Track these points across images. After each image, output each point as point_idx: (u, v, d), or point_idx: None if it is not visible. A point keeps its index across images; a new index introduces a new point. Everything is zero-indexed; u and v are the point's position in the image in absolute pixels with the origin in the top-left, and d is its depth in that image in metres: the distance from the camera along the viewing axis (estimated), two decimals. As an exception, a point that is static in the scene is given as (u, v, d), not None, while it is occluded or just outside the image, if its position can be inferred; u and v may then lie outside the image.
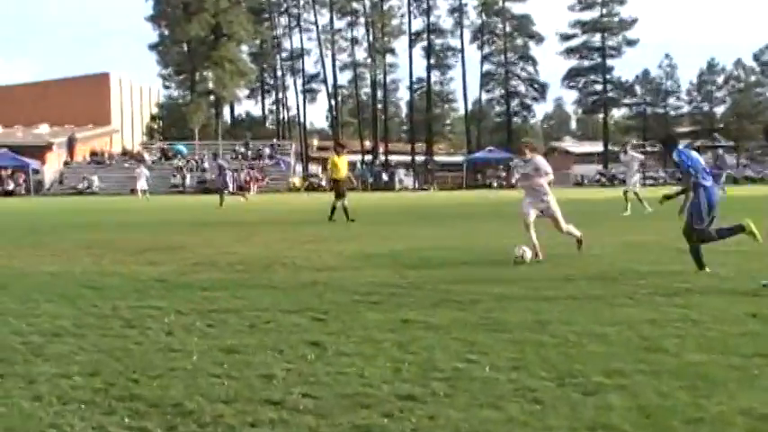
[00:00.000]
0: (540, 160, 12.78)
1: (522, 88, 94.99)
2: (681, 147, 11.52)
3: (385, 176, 78.03)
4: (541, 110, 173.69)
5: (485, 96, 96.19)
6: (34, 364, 6.09)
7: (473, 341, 6.67)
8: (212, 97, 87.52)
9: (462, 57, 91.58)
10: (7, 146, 68.60)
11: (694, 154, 11.05)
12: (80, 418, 4.77)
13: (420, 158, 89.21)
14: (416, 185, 78.60)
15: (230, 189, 35.47)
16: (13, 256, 14.19)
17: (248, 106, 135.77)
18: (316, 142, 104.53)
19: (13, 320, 7.84)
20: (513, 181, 66.05)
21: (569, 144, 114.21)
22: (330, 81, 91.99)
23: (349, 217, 22.64)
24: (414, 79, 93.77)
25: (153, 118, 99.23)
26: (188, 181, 69.86)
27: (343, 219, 22.48)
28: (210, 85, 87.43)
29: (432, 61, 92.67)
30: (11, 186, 65.79)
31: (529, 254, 11.97)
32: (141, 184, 52.53)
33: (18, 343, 6.83)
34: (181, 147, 76.96)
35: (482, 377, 5.57)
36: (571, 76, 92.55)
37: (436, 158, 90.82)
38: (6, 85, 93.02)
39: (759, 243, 10.68)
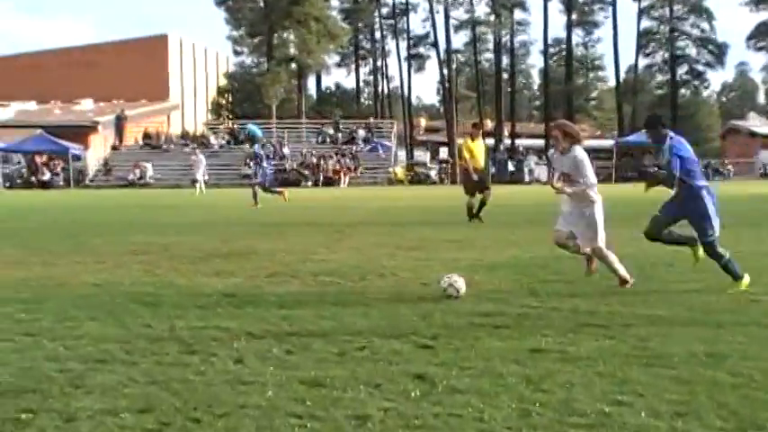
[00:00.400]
0: (581, 154, 11.44)
1: (692, 51, 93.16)
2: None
3: (511, 166, 77.47)
4: (718, 79, 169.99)
5: (642, 62, 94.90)
6: (74, 398, 6.23)
7: (624, 378, 6.58)
8: (294, 65, 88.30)
9: (614, 10, 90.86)
10: (42, 126, 69.91)
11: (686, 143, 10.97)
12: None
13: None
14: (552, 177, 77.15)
15: (265, 183, 35.32)
16: (49, 263, 14.59)
17: (338, 77, 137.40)
18: (423, 122, 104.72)
19: (48, 343, 8.05)
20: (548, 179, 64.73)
21: (755, 123, 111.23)
22: (442, 44, 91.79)
23: (476, 215, 22.69)
24: (549, 41, 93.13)
25: (220, 92, 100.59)
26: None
27: (488, 220, 22.61)
28: (292, 49, 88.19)
29: (573, 17, 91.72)
30: (47, 176, 67.22)
31: (462, 286, 10.54)
32: (200, 175, 53.36)
33: (54, 371, 7.00)
34: (254, 127, 77.51)
35: (636, 424, 5.48)
36: (760, 33, 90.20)
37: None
38: (40, 50, 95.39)
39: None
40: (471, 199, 23.04)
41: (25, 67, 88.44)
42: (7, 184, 64.31)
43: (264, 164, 35.35)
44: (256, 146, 40.23)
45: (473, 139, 23.56)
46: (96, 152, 73.49)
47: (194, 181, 56.08)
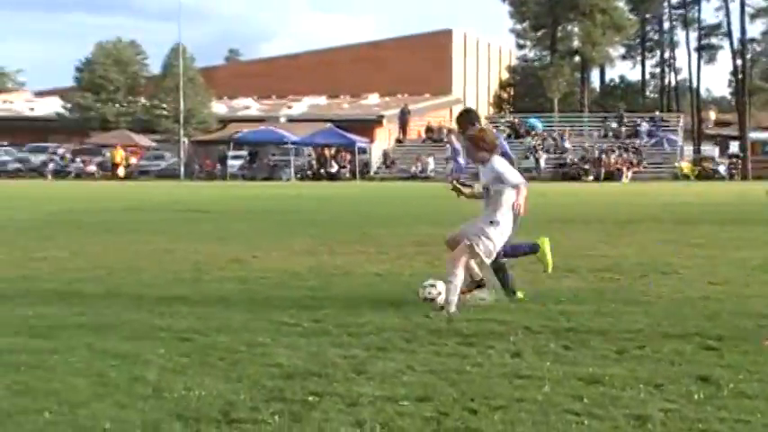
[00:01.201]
0: (499, 164, 9.92)
1: None
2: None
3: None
4: None
5: None
6: (356, 383, 6.44)
7: None
8: (577, 58, 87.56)
9: None
10: (331, 120, 72.23)
11: None
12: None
13: None
14: None
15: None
16: (335, 252, 15.11)
17: (623, 69, 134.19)
18: (713, 115, 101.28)
19: (333, 330, 8.36)
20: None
21: None
22: (736, 33, 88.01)
23: None
24: None
25: (502, 85, 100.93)
26: (542, 163, 70.22)
27: None
28: (576, 42, 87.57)
29: None
30: (334, 169, 69.29)
31: (447, 294, 9.41)
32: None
33: (339, 357, 7.25)
34: (535, 121, 77.60)
35: None
36: None
37: None
38: (331, 47, 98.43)
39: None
40: None
41: (317, 63, 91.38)
42: (298, 176, 66.58)
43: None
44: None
45: None
46: (381, 145, 75.11)
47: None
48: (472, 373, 6.76)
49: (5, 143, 69.35)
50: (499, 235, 9.64)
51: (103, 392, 6.10)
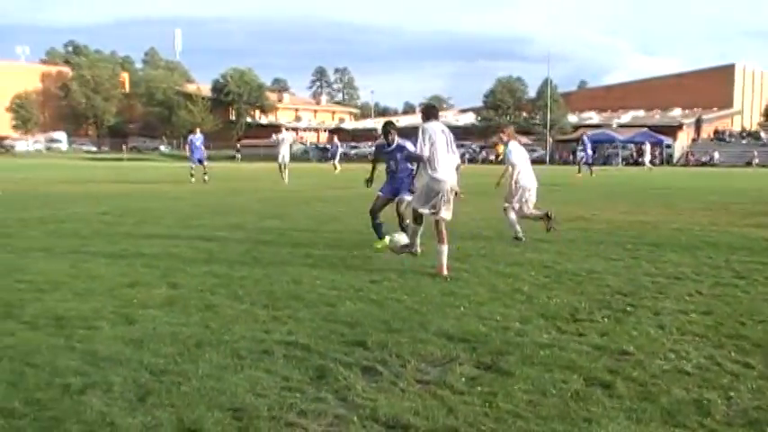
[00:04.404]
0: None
1: None
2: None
3: None
4: None
5: None
6: (659, 300, 6.23)
7: None
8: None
9: None
10: (647, 126, 69.57)
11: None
12: (694, 348, 4.79)
13: None
14: None
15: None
16: (647, 213, 14.46)
17: None
18: None
19: (645, 264, 8.06)
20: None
21: None
22: None
23: None
24: None
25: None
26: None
27: None
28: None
29: None
30: (647, 159, 65.96)
31: (399, 239, 7.85)
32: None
33: (648, 282, 7.02)
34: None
35: None
36: None
37: None
38: (647, 78, 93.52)
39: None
40: None
41: (638, 88, 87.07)
42: (623, 163, 64.05)
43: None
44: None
45: None
46: (681, 143, 70.66)
47: None
48: (741, 297, 6.34)
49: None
50: None
51: (495, 297, 6.30)
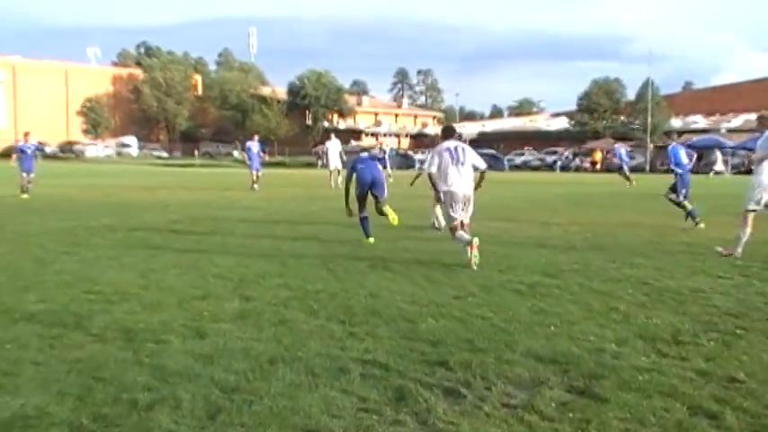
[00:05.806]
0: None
1: None
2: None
3: None
4: None
5: None
6: (774, 323, 6.02)
7: None
8: None
9: None
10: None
11: None
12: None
13: None
14: None
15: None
16: (757, 228, 13.90)
17: None
18: None
19: (756, 282, 7.82)
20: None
21: None
22: None
23: None
24: None
25: None
26: None
27: None
28: None
29: None
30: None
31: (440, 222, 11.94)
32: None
33: (761, 303, 6.81)
34: None
35: None
36: None
37: None
38: (760, 78, 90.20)
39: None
40: None
41: (750, 89, 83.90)
42: (734, 171, 62.15)
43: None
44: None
45: None
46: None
47: None
48: None
49: (531, 148, 72.20)
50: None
51: (588, 316, 6.21)
